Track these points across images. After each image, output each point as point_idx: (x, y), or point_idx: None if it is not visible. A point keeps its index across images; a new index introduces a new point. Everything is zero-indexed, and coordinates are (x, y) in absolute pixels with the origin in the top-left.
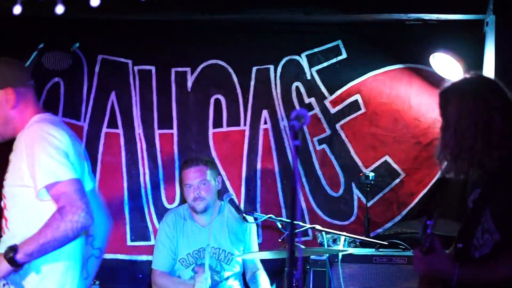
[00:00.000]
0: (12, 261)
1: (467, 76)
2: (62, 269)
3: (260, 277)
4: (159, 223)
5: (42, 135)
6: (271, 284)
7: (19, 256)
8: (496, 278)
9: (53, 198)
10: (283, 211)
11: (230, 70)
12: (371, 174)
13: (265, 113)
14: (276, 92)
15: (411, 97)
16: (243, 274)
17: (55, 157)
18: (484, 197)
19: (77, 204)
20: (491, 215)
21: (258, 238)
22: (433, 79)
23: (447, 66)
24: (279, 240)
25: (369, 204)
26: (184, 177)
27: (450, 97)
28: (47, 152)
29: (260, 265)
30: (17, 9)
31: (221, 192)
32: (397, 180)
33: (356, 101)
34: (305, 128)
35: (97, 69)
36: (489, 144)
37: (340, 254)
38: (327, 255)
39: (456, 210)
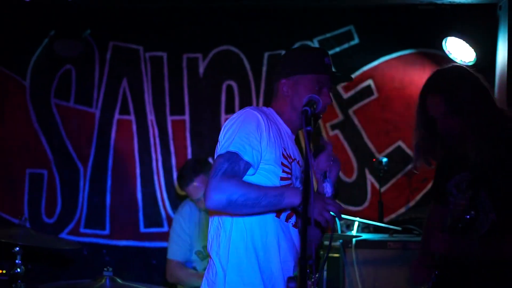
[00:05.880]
0: None
1: (444, 67)
2: None
3: None
4: (172, 209)
5: None
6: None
7: None
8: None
9: None
10: None
11: (242, 55)
12: (384, 160)
13: None
14: None
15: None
16: None
17: None
18: (477, 179)
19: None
20: (488, 195)
21: None
22: (446, 64)
23: (460, 50)
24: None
25: (382, 190)
26: (188, 193)
27: (455, 82)
28: None
29: None
30: None
31: None
32: (411, 165)
33: (369, 86)
34: None
35: (108, 55)
36: (502, 116)
37: (354, 240)
38: (341, 240)
39: None
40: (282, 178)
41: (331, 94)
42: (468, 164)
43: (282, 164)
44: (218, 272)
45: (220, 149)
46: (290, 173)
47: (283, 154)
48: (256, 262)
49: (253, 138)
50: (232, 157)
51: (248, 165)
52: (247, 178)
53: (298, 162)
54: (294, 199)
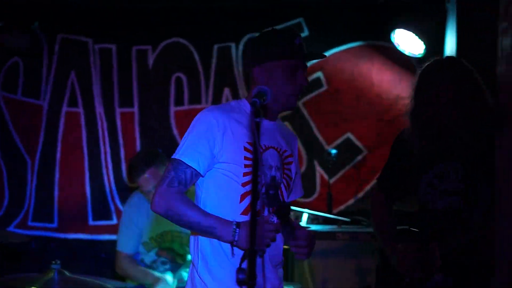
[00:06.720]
0: None
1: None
2: None
3: None
4: (121, 202)
5: None
6: None
7: None
8: None
9: None
10: None
11: (192, 48)
12: (333, 151)
13: (226, 91)
14: (238, 70)
15: (373, 74)
16: None
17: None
18: (473, 168)
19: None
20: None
21: None
22: (394, 56)
23: (409, 42)
24: None
25: (331, 181)
26: (139, 185)
27: (455, 71)
28: None
29: None
30: None
31: None
32: (359, 157)
33: (319, 78)
34: None
35: (56, 48)
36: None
37: None
38: None
39: None
40: (245, 174)
41: (305, 75)
42: (454, 153)
43: (245, 158)
44: (192, 270)
45: (176, 151)
46: None
47: (245, 148)
48: (226, 260)
49: (201, 144)
50: (179, 165)
51: (196, 172)
52: (208, 181)
53: (276, 149)
54: (225, 236)
